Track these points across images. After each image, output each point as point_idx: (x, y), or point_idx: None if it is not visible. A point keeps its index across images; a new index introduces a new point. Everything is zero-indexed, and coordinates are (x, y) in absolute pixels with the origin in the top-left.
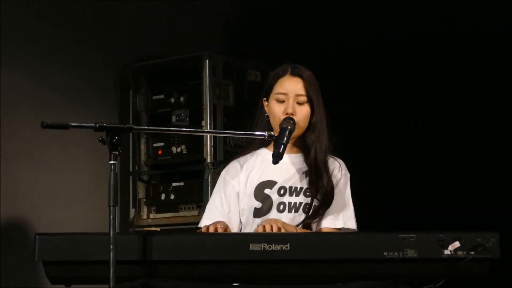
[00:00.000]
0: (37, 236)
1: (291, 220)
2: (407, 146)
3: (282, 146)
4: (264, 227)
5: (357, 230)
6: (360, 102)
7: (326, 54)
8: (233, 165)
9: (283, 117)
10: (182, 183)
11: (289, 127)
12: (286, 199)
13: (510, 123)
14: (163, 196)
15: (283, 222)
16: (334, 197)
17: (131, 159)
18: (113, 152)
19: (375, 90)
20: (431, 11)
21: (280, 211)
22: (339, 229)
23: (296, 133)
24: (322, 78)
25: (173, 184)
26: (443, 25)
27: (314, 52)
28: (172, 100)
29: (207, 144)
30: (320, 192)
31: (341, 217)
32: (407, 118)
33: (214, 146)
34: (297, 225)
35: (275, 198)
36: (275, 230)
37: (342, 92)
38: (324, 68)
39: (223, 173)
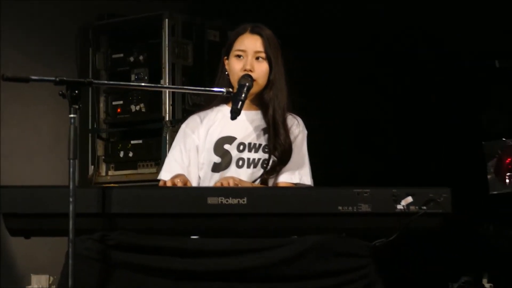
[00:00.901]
0: None
1: (250, 175)
2: (363, 104)
3: (240, 102)
4: (221, 183)
5: (311, 185)
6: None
7: (287, 16)
8: (194, 119)
9: (241, 73)
10: (140, 141)
11: (247, 84)
12: (245, 155)
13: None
14: (121, 154)
15: (240, 180)
16: (292, 154)
17: (90, 117)
18: (73, 106)
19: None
20: None
21: (239, 166)
22: (295, 184)
23: (255, 89)
24: (282, 38)
25: (132, 142)
26: None
27: (275, 13)
28: (132, 58)
29: (165, 103)
30: (278, 150)
31: (297, 173)
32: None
33: (173, 105)
34: (254, 180)
35: (234, 153)
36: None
37: (303, 51)
38: (284, 30)
39: (183, 126)
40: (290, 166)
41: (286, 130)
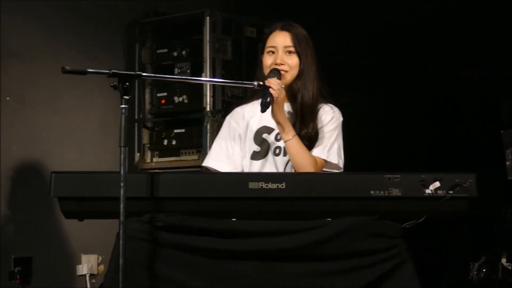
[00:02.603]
0: (52, 174)
1: (285, 162)
2: (393, 96)
3: (269, 96)
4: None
5: (340, 166)
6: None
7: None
8: (237, 111)
9: (272, 67)
10: (183, 130)
11: (274, 77)
12: (281, 143)
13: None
14: (165, 142)
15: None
16: (323, 134)
17: (136, 108)
18: (124, 96)
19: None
20: None
21: (276, 154)
22: (325, 160)
23: (288, 81)
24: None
25: (175, 131)
26: None
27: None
28: (175, 53)
29: (206, 94)
30: (305, 138)
31: (326, 150)
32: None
33: (213, 96)
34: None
35: (272, 142)
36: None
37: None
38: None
39: (227, 118)
40: (320, 143)
41: (314, 119)
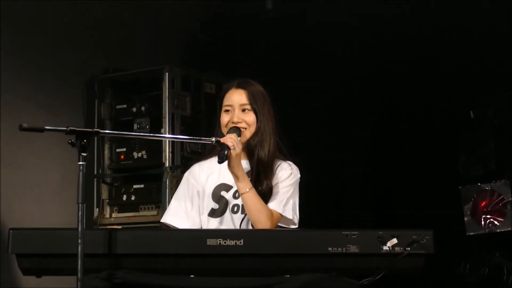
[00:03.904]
0: (10, 231)
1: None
2: (351, 152)
3: (227, 149)
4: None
5: (295, 221)
6: (311, 112)
7: (276, 69)
8: (196, 168)
9: (229, 126)
10: (142, 185)
11: (234, 133)
12: (240, 201)
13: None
14: (124, 197)
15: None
16: (279, 189)
17: (95, 163)
18: (82, 153)
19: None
20: None
21: (234, 212)
22: (280, 213)
23: (245, 139)
24: (272, 90)
25: (134, 186)
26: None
27: (265, 68)
28: (134, 109)
29: (165, 150)
30: (259, 192)
31: (282, 206)
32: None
33: (172, 152)
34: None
35: (230, 200)
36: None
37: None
38: (274, 82)
39: (186, 174)
40: (276, 197)
41: (269, 176)
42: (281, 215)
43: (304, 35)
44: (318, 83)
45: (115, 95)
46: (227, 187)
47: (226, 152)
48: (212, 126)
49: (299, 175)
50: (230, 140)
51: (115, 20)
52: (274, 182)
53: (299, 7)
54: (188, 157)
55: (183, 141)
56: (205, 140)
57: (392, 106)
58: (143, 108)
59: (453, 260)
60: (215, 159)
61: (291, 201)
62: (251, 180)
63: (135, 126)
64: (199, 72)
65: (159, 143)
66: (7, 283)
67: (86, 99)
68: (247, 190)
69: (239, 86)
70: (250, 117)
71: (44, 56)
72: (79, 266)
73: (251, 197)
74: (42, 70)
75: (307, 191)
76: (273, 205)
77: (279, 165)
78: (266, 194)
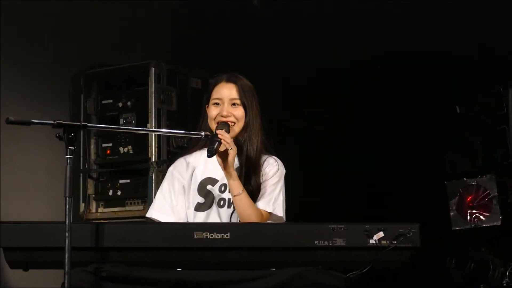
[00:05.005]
0: None
1: (229, 213)
2: (341, 150)
3: (216, 143)
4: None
5: (284, 218)
6: (296, 108)
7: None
8: (180, 162)
9: (218, 119)
10: (128, 180)
11: (224, 128)
12: (226, 195)
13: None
14: (110, 192)
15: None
16: (267, 187)
17: (81, 158)
18: (69, 147)
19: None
20: None
21: (220, 206)
22: (269, 213)
23: (234, 133)
24: (258, 84)
25: (120, 181)
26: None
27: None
28: (120, 104)
29: (151, 145)
30: (248, 190)
31: (271, 204)
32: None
33: (158, 147)
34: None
35: (216, 194)
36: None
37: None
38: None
39: (171, 168)
40: (264, 195)
41: (258, 172)
42: (270, 214)
43: (291, 31)
44: (304, 77)
45: (101, 90)
46: (213, 181)
47: (216, 146)
48: (198, 121)
49: (284, 170)
50: (227, 139)
51: (102, 15)
52: (262, 179)
53: (286, 3)
54: (174, 151)
55: (169, 136)
56: (195, 134)
57: (380, 101)
58: (129, 103)
59: (439, 255)
60: (199, 153)
61: (280, 198)
62: (239, 176)
63: (121, 121)
64: (185, 67)
65: (145, 138)
66: None
67: (72, 94)
68: (240, 192)
69: (229, 80)
70: (239, 111)
71: (30, 51)
72: (66, 260)
73: (242, 200)
74: (28, 65)
75: (293, 185)
76: (262, 204)
77: (265, 159)
78: (254, 192)
